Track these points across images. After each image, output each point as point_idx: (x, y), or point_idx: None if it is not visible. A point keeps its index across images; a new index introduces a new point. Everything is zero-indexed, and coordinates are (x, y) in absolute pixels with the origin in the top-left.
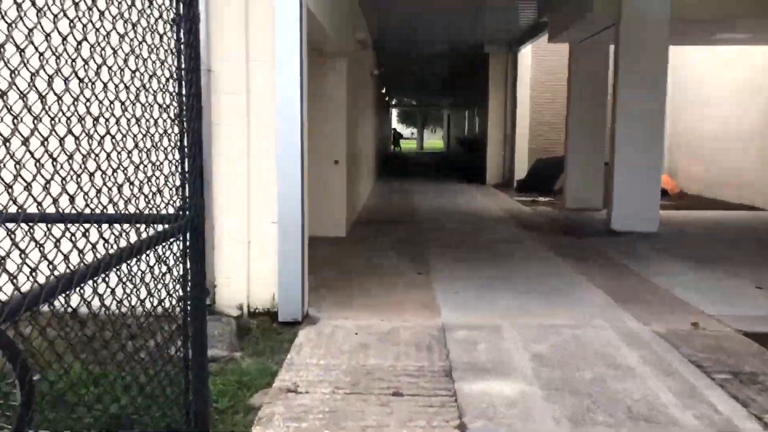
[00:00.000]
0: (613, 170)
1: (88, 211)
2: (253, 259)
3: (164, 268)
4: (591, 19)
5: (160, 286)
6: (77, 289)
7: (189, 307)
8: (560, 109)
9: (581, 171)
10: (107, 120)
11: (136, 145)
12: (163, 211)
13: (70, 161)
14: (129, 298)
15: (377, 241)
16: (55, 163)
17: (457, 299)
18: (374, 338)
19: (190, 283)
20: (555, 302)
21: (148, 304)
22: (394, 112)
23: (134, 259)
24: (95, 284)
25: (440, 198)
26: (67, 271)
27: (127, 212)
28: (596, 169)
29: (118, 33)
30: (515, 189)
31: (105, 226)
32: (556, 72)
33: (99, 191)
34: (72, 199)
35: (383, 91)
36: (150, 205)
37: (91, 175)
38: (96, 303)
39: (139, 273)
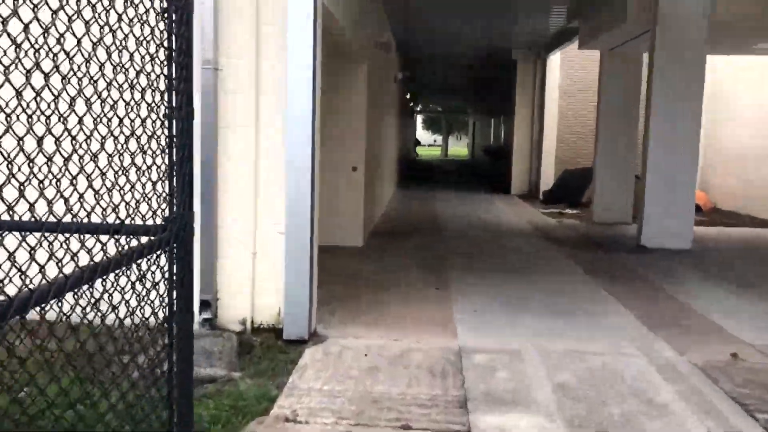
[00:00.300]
0: (645, 182)
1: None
2: (258, 271)
3: (148, 285)
4: (625, 26)
5: (141, 304)
6: (39, 307)
7: (174, 330)
8: (589, 118)
9: (610, 183)
10: (82, 118)
11: (121, 147)
12: (150, 221)
13: (49, 163)
14: (103, 317)
15: (395, 252)
16: (31, 165)
17: (475, 318)
18: (385, 361)
19: (175, 303)
20: (581, 325)
21: (128, 322)
22: (419, 118)
23: (112, 275)
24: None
25: (463, 207)
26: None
27: (107, 222)
28: (626, 181)
29: (103, 23)
30: (541, 200)
31: (83, 237)
32: (585, 80)
33: (79, 197)
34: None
35: (407, 96)
36: (134, 215)
37: (69, 178)
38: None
39: (119, 288)
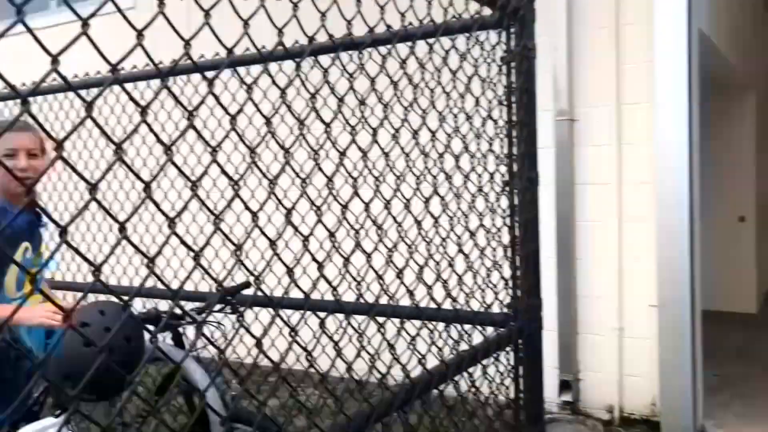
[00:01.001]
0: None
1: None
2: (625, 350)
3: (486, 389)
4: None
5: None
6: None
7: None
8: None
9: None
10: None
11: (458, 222)
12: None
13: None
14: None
15: None
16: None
17: None
18: None
19: (522, 414)
20: None
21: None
22: None
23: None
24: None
25: None
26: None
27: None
28: None
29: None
30: None
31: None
32: None
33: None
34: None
35: None
36: (472, 300)
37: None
38: None
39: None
